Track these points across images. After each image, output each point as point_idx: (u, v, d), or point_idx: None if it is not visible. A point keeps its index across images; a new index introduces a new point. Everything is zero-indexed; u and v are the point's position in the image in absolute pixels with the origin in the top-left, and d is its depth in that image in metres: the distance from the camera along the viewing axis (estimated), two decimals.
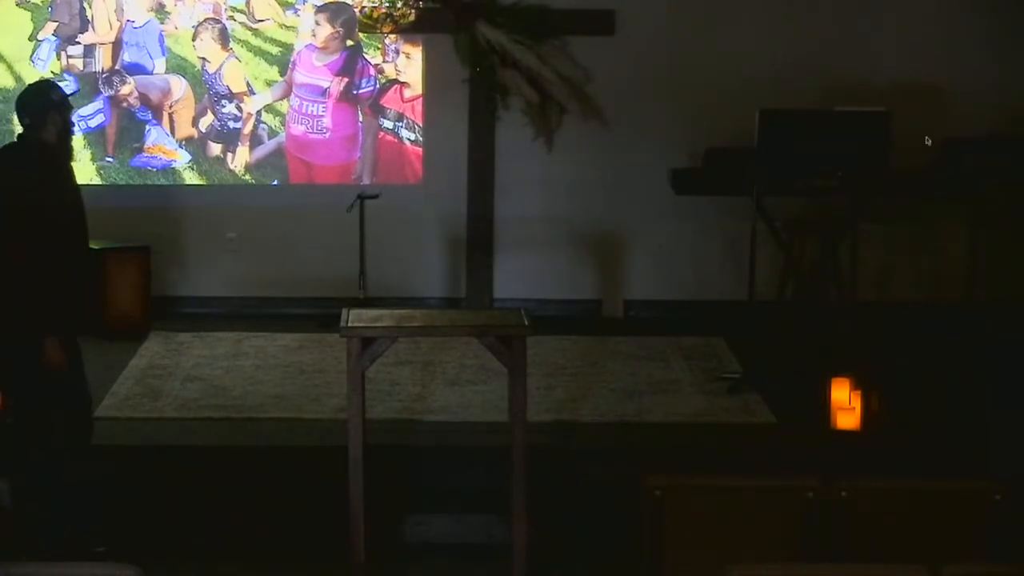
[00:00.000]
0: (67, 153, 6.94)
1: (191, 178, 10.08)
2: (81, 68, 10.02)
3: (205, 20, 10.02)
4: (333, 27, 10.03)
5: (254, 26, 10.05)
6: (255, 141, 10.12)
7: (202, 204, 10.09)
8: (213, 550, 7.05)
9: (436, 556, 7.13)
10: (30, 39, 10.00)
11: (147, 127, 10.08)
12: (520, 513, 6.62)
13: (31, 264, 6.53)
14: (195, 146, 10.10)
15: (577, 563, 6.99)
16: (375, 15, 9.45)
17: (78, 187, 6.87)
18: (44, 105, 6.79)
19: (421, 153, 10.08)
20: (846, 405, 7.54)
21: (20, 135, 6.89)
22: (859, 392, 7.55)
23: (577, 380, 8.59)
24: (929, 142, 9.21)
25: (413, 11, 9.43)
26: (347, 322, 6.63)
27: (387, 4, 9.46)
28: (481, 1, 9.57)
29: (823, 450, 7.34)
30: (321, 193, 10.07)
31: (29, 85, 7.09)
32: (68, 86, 9.95)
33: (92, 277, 6.92)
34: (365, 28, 9.71)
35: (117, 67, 10.03)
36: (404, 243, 10.08)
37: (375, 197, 9.64)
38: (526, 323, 6.66)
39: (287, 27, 10.06)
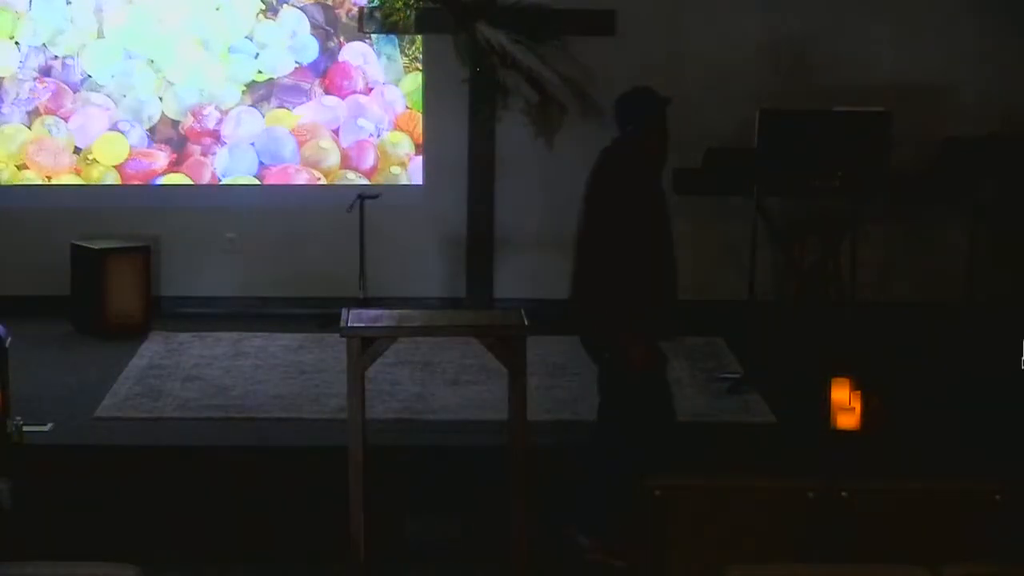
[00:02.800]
0: (663, 158, 6.94)
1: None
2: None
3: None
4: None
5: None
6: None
7: (202, 204, 10.09)
8: (213, 550, 7.05)
9: (436, 556, 7.13)
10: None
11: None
12: (520, 513, 6.62)
13: (624, 264, 6.59)
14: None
15: (577, 563, 6.98)
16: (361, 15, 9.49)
17: (665, 193, 6.89)
18: (648, 111, 6.82)
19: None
20: (846, 405, 7.54)
21: (619, 138, 6.89)
22: (859, 392, 7.54)
23: (577, 380, 8.58)
24: None
25: (412, 11, 9.44)
26: (347, 322, 6.63)
27: (379, 4, 9.48)
28: (481, 1, 9.57)
29: (823, 450, 7.34)
30: (321, 193, 10.07)
31: (633, 90, 7.03)
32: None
33: (674, 284, 6.94)
34: (362, 28, 9.72)
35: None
36: (404, 243, 10.08)
37: (375, 197, 9.65)
38: (526, 323, 6.66)
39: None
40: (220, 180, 10.07)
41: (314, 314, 9.54)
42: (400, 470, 7.36)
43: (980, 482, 5.68)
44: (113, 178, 10.03)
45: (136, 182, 10.06)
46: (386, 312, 6.95)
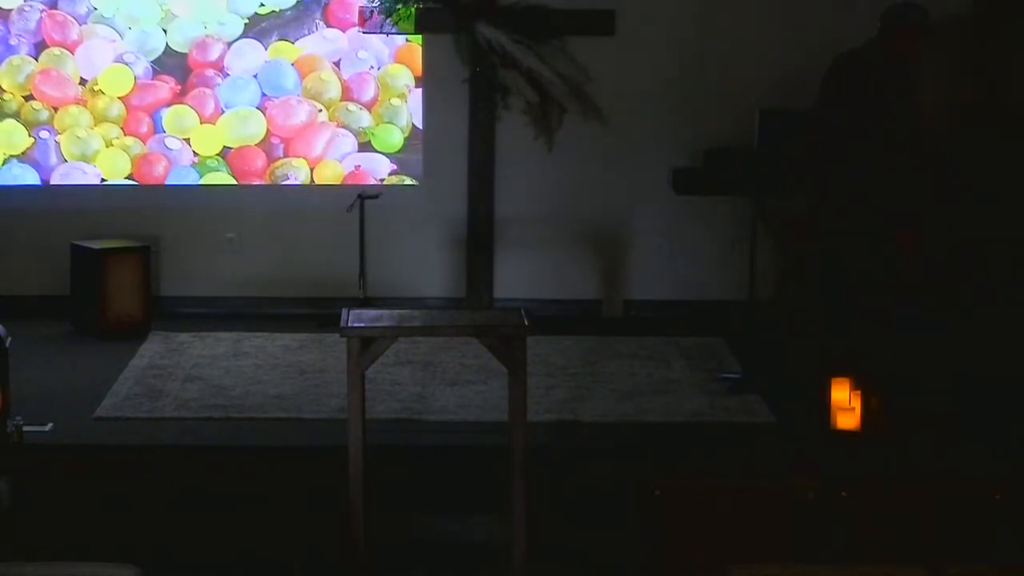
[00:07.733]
0: None
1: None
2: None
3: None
4: None
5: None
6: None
7: (202, 204, 10.09)
8: (213, 550, 7.05)
9: (436, 556, 7.13)
10: None
11: None
12: (520, 513, 6.62)
13: None
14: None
15: (577, 563, 6.98)
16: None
17: None
18: None
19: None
20: (846, 405, 7.54)
21: None
22: (859, 392, 7.55)
23: (577, 380, 8.59)
24: None
25: (411, 11, 9.46)
26: (347, 322, 6.63)
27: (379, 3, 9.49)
28: (481, 1, 9.57)
29: (823, 450, 7.34)
30: (321, 193, 10.08)
31: None
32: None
33: None
34: (364, 28, 9.74)
35: None
36: (404, 243, 10.08)
37: (375, 197, 9.65)
38: (526, 323, 6.66)
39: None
40: (223, 111, 10.06)
41: (314, 314, 9.54)
42: (400, 470, 7.36)
43: (980, 482, 5.69)
44: (119, 109, 10.02)
45: (141, 113, 10.03)
46: (386, 312, 6.95)
